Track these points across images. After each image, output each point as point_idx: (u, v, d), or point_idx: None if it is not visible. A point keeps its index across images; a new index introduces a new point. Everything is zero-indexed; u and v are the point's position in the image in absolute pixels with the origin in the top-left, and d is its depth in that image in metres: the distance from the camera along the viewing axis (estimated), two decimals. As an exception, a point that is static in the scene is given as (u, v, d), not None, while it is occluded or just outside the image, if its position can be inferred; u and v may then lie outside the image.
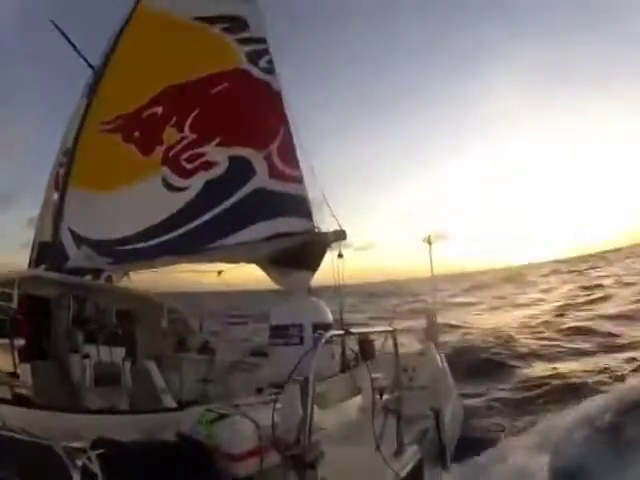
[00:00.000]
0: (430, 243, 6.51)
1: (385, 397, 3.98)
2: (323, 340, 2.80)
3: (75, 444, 2.42)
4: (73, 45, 8.67)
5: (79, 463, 2.31)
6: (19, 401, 3.97)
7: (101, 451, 2.48)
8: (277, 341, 3.18)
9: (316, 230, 5.81)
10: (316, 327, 3.32)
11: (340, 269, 5.63)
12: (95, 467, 2.37)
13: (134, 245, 6.79)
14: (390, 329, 4.05)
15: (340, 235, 5.61)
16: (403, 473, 3.40)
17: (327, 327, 3.26)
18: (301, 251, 5.67)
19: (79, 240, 7.32)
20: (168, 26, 7.82)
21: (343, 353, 6.32)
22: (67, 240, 7.45)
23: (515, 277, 50.02)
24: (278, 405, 2.82)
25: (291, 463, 2.61)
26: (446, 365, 6.30)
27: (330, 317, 3.36)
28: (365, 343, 3.65)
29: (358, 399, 4.71)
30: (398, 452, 3.73)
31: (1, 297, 5.74)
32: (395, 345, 3.96)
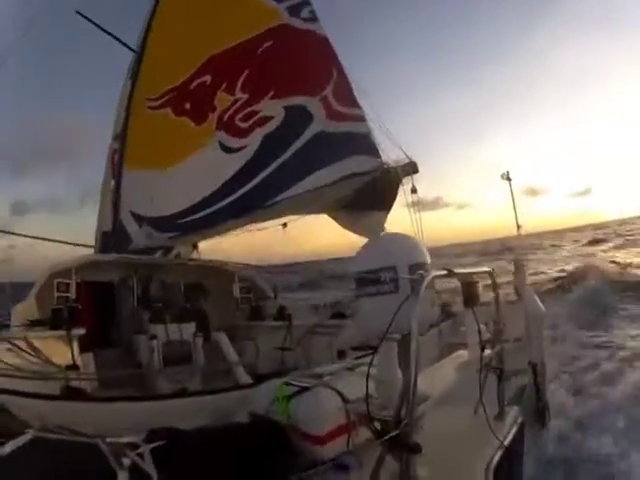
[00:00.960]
0: (510, 179, 5.93)
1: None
2: (425, 283, 2.16)
3: (125, 439, 2.03)
4: (107, 32, 8.62)
5: (126, 462, 1.90)
6: (73, 395, 3.71)
7: (156, 444, 2.07)
8: (366, 291, 2.46)
9: (385, 166, 5.34)
10: (413, 269, 2.51)
11: (416, 206, 5.08)
12: (148, 465, 1.94)
13: (195, 215, 6.55)
14: (489, 269, 3.44)
15: (411, 168, 5.15)
16: (507, 441, 2.92)
17: (426, 269, 2.61)
18: (372, 190, 5.25)
19: (140, 220, 7.18)
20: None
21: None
22: (129, 223, 7.33)
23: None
24: (372, 370, 2.23)
25: (390, 447, 2.02)
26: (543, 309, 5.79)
27: (428, 257, 2.66)
28: (469, 286, 3.07)
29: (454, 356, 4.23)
30: (499, 416, 3.27)
31: (59, 288, 5.62)
32: (495, 287, 3.41)
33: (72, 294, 5.62)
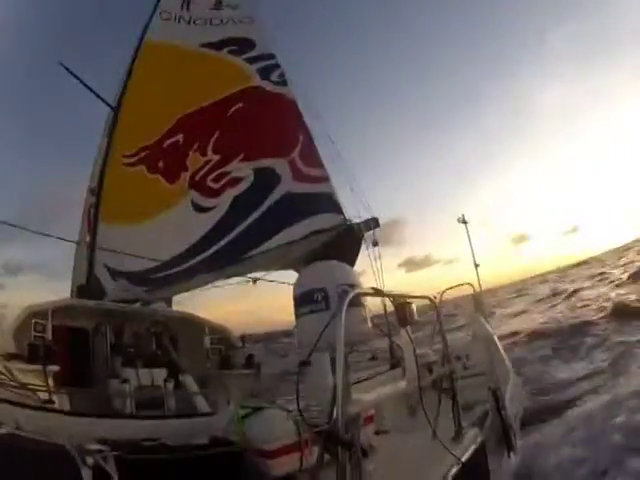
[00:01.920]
0: (465, 222, 6.31)
1: (435, 374, 3.70)
2: (349, 297, 2.34)
3: (93, 446, 2.31)
4: (87, 87, 8.86)
5: (90, 461, 2.20)
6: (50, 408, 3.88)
7: (117, 453, 2.35)
8: (301, 311, 2.71)
9: (347, 223, 5.71)
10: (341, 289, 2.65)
11: (377, 257, 5.41)
12: (110, 467, 2.25)
13: (169, 271, 6.82)
14: (429, 296, 3.60)
15: (373, 223, 5.52)
16: (464, 458, 2.96)
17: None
18: (335, 246, 5.57)
19: (114, 274, 7.38)
20: (176, 56, 8.09)
21: (391, 350, 6.11)
22: (103, 276, 7.52)
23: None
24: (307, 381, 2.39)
25: (325, 446, 2.18)
26: (498, 343, 6.05)
27: (358, 279, 2.89)
28: (402, 306, 3.17)
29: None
30: (457, 436, 3.34)
31: (36, 328, 5.78)
32: (438, 314, 3.62)
33: (48, 335, 5.76)
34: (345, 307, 2.30)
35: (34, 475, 2.08)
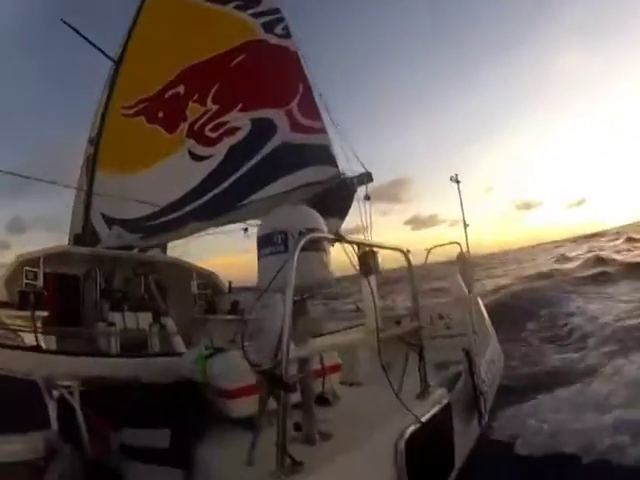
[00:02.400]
0: (458, 182, 6.20)
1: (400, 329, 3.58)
2: (304, 239, 2.32)
3: (63, 382, 2.44)
4: (90, 41, 8.87)
5: (56, 394, 2.33)
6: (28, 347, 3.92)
7: (83, 388, 2.48)
8: (262, 253, 2.64)
9: (342, 176, 5.65)
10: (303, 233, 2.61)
11: (368, 211, 5.33)
12: (74, 400, 2.36)
13: (164, 218, 6.84)
14: (400, 247, 3.50)
15: (366, 177, 5.46)
16: (427, 416, 2.89)
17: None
18: (328, 198, 5.53)
19: (110, 222, 7.44)
20: (180, 9, 7.99)
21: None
22: (99, 224, 7.58)
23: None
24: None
25: (270, 389, 2.19)
26: (482, 306, 5.95)
27: (323, 225, 2.82)
28: (366, 255, 3.13)
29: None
30: (422, 394, 3.26)
31: (28, 276, 5.83)
32: (409, 264, 3.48)
33: (39, 282, 5.81)
34: (299, 248, 2.27)
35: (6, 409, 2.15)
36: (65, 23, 9.04)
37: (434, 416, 3.01)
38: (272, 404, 2.15)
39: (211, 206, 6.38)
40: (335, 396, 3.42)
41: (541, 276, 20.16)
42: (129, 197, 7.20)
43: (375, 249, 3.19)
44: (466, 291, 4.46)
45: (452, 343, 4.53)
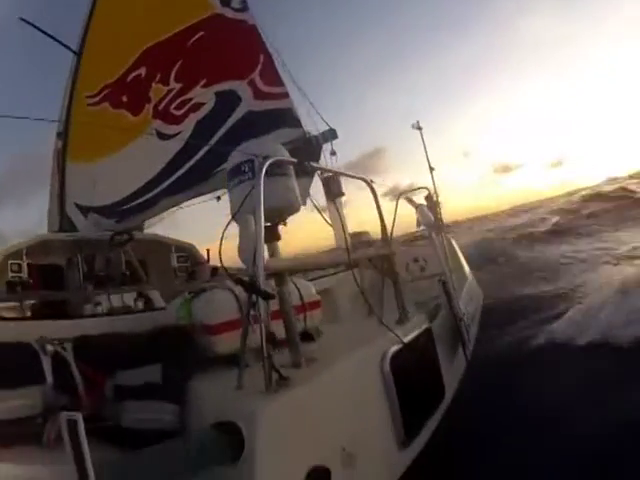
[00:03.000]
0: (420, 128, 6.30)
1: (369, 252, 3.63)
2: (268, 162, 2.45)
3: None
4: (51, 36, 8.78)
5: (50, 349, 2.39)
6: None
7: (75, 342, 2.58)
8: (231, 184, 2.70)
9: (307, 135, 5.74)
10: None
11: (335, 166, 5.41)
12: (68, 354, 2.44)
13: (137, 200, 6.88)
14: (364, 177, 3.60)
15: (330, 135, 5.55)
16: (407, 339, 2.97)
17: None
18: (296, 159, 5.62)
19: (86, 211, 7.45)
20: (136, -9, 7.91)
21: None
22: (74, 214, 7.59)
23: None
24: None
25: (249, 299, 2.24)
26: (457, 249, 6.07)
27: (288, 155, 2.94)
28: (330, 180, 3.31)
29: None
30: (401, 320, 3.35)
31: (12, 269, 5.88)
32: (374, 195, 3.58)
33: (24, 274, 5.88)
34: (264, 170, 2.41)
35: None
36: (24, 20, 8.92)
37: (416, 338, 3.12)
38: (256, 340, 2.20)
39: (184, 180, 6.46)
40: (318, 332, 3.47)
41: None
42: (101, 183, 7.23)
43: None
44: (431, 219, 4.47)
45: (429, 284, 4.68)
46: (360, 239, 3.82)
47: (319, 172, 3.51)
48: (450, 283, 4.11)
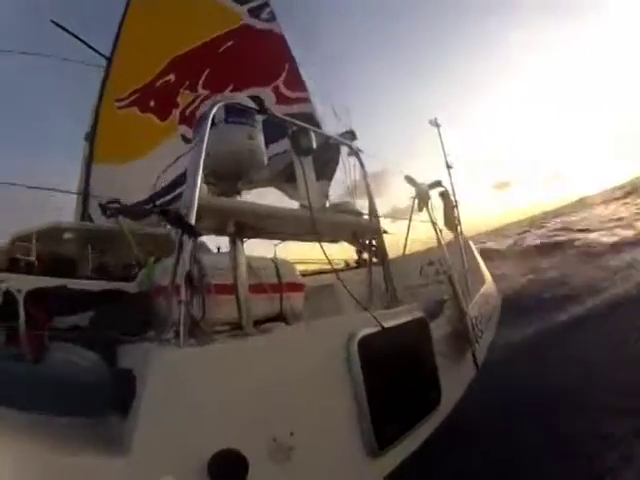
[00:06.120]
0: (438, 125, 6.25)
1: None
2: (217, 105, 2.44)
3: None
4: (82, 40, 9.01)
5: (3, 287, 2.57)
6: None
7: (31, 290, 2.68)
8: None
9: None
10: None
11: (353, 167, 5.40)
12: (19, 295, 2.57)
13: (159, 200, 6.94)
14: (347, 142, 3.50)
15: (349, 137, 5.58)
16: (389, 324, 2.55)
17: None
18: (315, 161, 5.66)
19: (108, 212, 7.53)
20: (168, 1, 8.18)
21: None
22: (97, 215, 7.67)
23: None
24: None
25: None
26: (476, 252, 5.92)
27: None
28: (297, 133, 3.12)
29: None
30: (388, 305, 3.09)
31: (21, 251, 5.93)
32: (361, 163, 3.45)
33: (33, 257, 5.88)
34: (213, 112, 2.39)
35: None
36: (54, 23, 9.16)
37: (402, 326, 2.69)
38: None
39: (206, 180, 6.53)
40: (296, 317, 3.07)
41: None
42: (127, 185, 7.34)
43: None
44: (427, 190, 4.25)
45: (443, 288, 4.45)
46: (338, 209, 3.57)
47: (288, 124, 3.32)
48: (456, 277, 3.81)
